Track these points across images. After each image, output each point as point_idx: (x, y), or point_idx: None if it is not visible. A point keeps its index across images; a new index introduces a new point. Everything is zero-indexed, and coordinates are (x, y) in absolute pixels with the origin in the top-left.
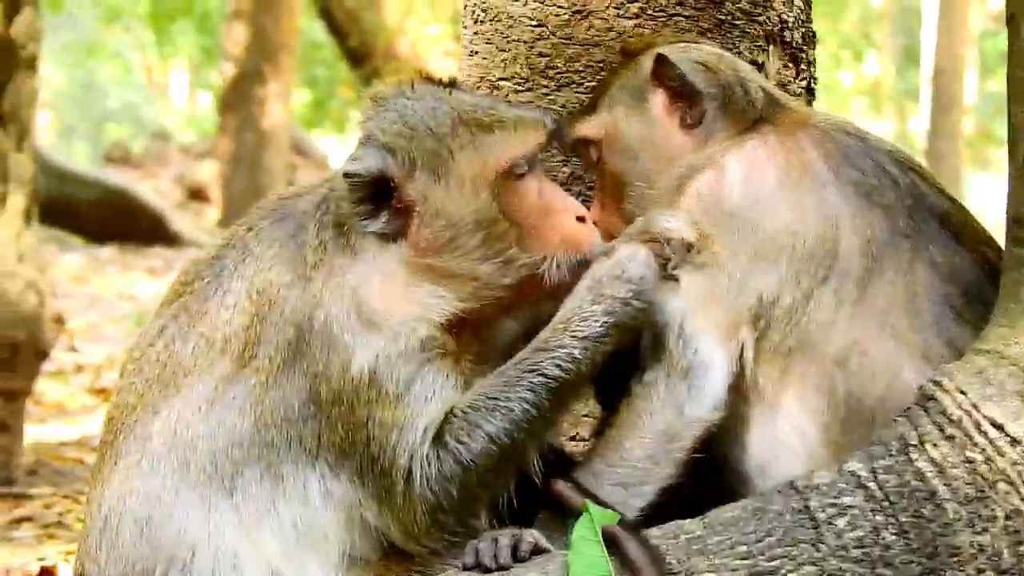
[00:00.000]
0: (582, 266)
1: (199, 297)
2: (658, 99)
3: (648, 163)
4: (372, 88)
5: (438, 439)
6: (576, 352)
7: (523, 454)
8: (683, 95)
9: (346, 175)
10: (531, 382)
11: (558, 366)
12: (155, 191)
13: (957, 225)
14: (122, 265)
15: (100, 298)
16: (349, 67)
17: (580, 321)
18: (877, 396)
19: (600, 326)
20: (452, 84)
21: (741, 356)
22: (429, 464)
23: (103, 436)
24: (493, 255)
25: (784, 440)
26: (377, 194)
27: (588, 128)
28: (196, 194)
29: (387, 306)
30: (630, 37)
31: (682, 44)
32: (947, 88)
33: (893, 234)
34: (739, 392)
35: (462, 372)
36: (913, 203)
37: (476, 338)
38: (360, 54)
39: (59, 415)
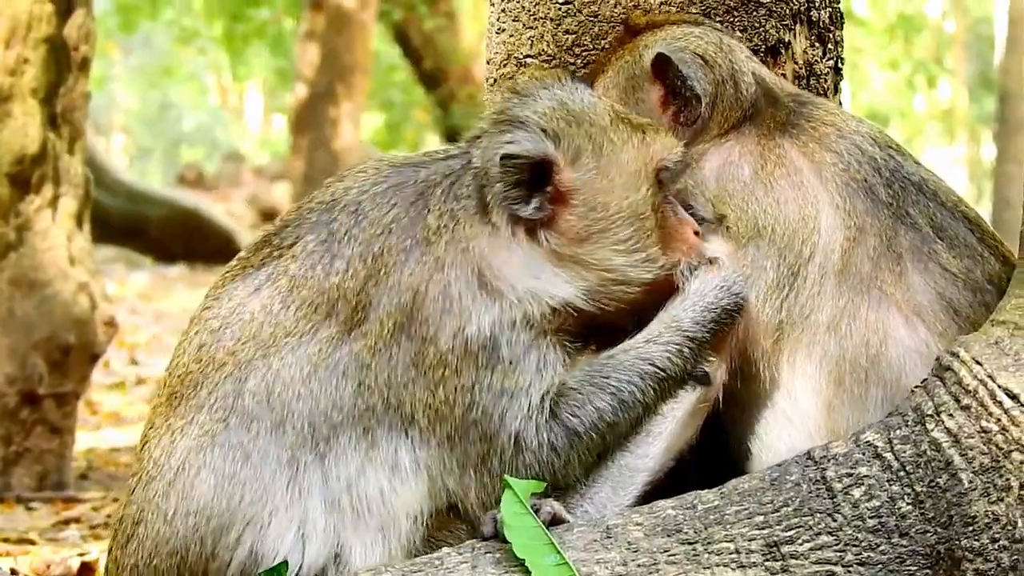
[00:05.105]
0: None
1: (304, 263)
2: (655, 93)
3: None
4: (511, 82)
5: (553, 411)
6: (685, 349)
7: (620, 437)
8: (680, 95)
9: (505, 156)
10: (642, 369)
11: (668, 359)
12: (228, 213)
13: (934, 187)
14: (189, 283)
15: (165, 314)
16: (424, 90)
17: (692, 324)
18: (871, 356)
19: (707, 331)
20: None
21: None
22: (540, 433)
23: (171, 386)
24: (639, 248)
25: (782, 415)
26: (533, 178)
27: None
28: (269, 215)
29: (510, 276)
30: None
31: (683, 29)
32: (1015, 112)
33: (875, 203)
34: (740, 376)
35: (565, 351)
36: (891, 175)
37: (578, 325)
38: (435, 77)
39: (115, 423)
